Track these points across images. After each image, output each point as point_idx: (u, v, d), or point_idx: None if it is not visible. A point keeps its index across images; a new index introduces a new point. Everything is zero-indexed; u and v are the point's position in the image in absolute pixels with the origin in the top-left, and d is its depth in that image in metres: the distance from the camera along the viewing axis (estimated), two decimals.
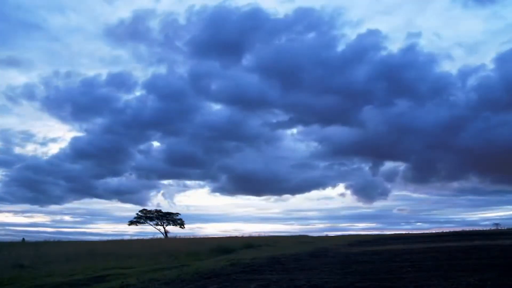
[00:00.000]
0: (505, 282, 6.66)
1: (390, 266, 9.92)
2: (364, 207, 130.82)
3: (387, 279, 7.53)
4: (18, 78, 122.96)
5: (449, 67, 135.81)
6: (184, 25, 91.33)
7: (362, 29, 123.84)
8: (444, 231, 63.99)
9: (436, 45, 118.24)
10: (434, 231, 64.03)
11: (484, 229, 60.73)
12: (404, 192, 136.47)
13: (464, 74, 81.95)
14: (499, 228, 62.33)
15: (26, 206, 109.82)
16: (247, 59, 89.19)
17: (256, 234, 49.72)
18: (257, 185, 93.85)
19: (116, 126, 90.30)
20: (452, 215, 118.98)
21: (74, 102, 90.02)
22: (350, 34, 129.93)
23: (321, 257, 14.32)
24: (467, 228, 68.79)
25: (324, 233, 63.42)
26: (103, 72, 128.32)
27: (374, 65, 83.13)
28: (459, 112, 78.41)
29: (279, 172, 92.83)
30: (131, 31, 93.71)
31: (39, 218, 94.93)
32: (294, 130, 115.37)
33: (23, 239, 42.39)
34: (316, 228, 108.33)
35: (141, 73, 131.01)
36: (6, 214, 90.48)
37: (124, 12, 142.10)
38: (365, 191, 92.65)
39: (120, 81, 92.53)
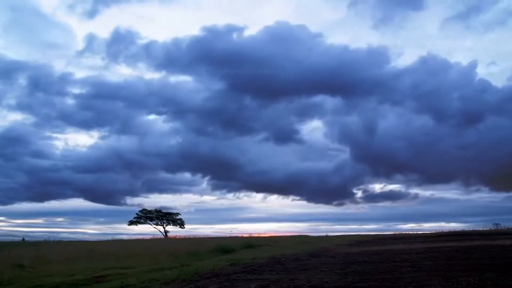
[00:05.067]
0: (505, 282, 6.66)
1: (390, 266, 9.92)
2: None
3: (387, 279, 7.53)
4: None
5: None
6: None
7: None
8: (444, 231, 64.02)
9: None
10: (434, 231, 64.07)
11: (484, 229, 60.70)
12: None
13: None
14: (499, 228, 62.29)
15: (25, 206, 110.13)
16: None
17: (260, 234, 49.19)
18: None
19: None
20: None
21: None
22: None
23: (321, 257, 14.31)
24: (467, 228, 68.84)
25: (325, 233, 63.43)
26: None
27: None
28: None
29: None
30: None
31: (38, 219, 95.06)
32: None
33: (23, 239, 42.51)
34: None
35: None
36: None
37: None
38: None
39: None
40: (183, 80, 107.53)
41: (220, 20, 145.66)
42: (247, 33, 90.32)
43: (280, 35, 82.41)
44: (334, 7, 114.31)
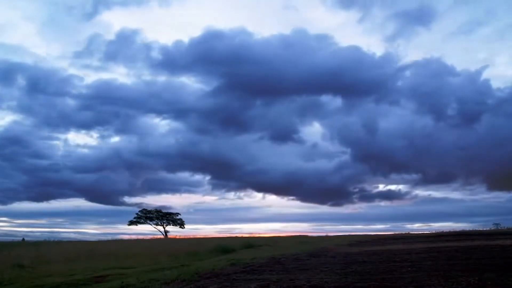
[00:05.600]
0: (505, 282, 6.66)
1: (390, 266, 9.91)
2: None
3: (387, 279, 7.52)
4: None
5: None
6: None
7: None
8: (444, 231, 64.10)
9: None
10: (434, 231, 64.16)
11: (484, 229, 60.76)
12: None
13: None
14: (499, 228, 62.29)
15: (26, 206, 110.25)
16: None
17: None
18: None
19: None
20: None
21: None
22: None
23: (321, 257, 14.31)
24: (467, 228, 68.91)
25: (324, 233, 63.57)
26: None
27: None
28: None
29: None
30: None
31: (38, 219, 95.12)
32: None
33: (23, 239, 42.50)
34: None
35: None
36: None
37: None
38: None
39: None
40: (183, 80, 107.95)
41: (221, 22, 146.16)
42: (251, 35, 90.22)
43: (283, 38, 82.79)
44: (343, 20, 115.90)
